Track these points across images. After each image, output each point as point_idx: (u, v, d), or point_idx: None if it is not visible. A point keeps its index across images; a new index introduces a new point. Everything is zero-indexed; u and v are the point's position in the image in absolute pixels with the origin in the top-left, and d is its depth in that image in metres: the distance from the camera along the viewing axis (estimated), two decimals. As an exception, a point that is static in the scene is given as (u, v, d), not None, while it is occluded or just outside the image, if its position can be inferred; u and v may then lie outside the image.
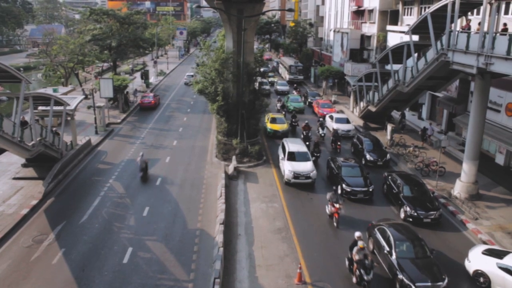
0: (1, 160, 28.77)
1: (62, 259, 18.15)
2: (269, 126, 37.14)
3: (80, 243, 19.46)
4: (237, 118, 31.70)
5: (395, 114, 40.79)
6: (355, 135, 34.89)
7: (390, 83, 33.78)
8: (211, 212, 22.58)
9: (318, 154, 30.76)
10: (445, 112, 34.99)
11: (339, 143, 32.97)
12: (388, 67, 35.22)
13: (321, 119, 38.48)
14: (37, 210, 22.54)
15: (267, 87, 55.32)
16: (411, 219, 21.66)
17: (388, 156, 30.54)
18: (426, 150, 32.31)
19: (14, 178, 26.37)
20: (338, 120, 38.45)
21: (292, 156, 27.46)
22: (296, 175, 26.07)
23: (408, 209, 21.96)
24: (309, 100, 50.42)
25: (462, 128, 31.77)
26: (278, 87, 59.29)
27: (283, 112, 43.07)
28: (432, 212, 21.65)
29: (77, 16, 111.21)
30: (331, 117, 39.18)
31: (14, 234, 20.10)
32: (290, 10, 36.84)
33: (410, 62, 30.79)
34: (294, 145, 28.88)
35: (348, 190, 24.53)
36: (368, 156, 30.33)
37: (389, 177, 25.22)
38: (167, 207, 23.36)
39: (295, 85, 60.16)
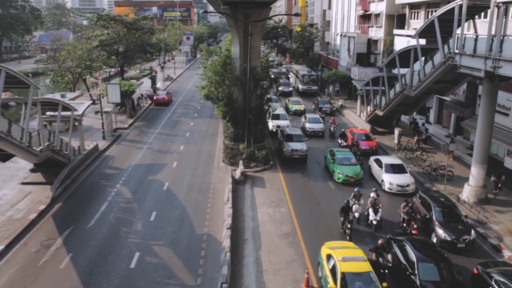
0: (10, 165, 28.92)
1: (70, 264, 18.21)
2: (342, 265, 15.53)
3: (87, 248, 19.51)
4: (244, 123, 31.71)
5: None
6: (415, 191, 24.91)
7: (397, 87, 33.67)
8: (218, 217, 22.56)
9: None
10: (453, 116, 34.82)
11: (415, 226, 20.61)
12: (395, 71, 35.12)
13: (374, 196, 21.87)
14: (45, 215, 22.64)
15: (302, 146, 31.17)
16: None
17: (473, 233, 19.63)
18: (434, 154, 32.12)
19: (22, 183, 26.54)
20: (389, 169, 26.48)
21: None
22: None
23: None
24: (319, 106, 47.39)
25: (470, 132, 31.58)
26: (308, 125, 38.35)
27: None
28: None
29: (84, 22, 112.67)
30: (378, 162, 27.76)
31: (22, 239, 20.20)
32: (296, 14, 36.76)
33: (417, 66, 30.71)
34: None
35: None
36: (442, 233, 19.66)
37: (493, 280, 15.41)
38: (174, 212, 23.37)
39: (333, 121, 39.50)
